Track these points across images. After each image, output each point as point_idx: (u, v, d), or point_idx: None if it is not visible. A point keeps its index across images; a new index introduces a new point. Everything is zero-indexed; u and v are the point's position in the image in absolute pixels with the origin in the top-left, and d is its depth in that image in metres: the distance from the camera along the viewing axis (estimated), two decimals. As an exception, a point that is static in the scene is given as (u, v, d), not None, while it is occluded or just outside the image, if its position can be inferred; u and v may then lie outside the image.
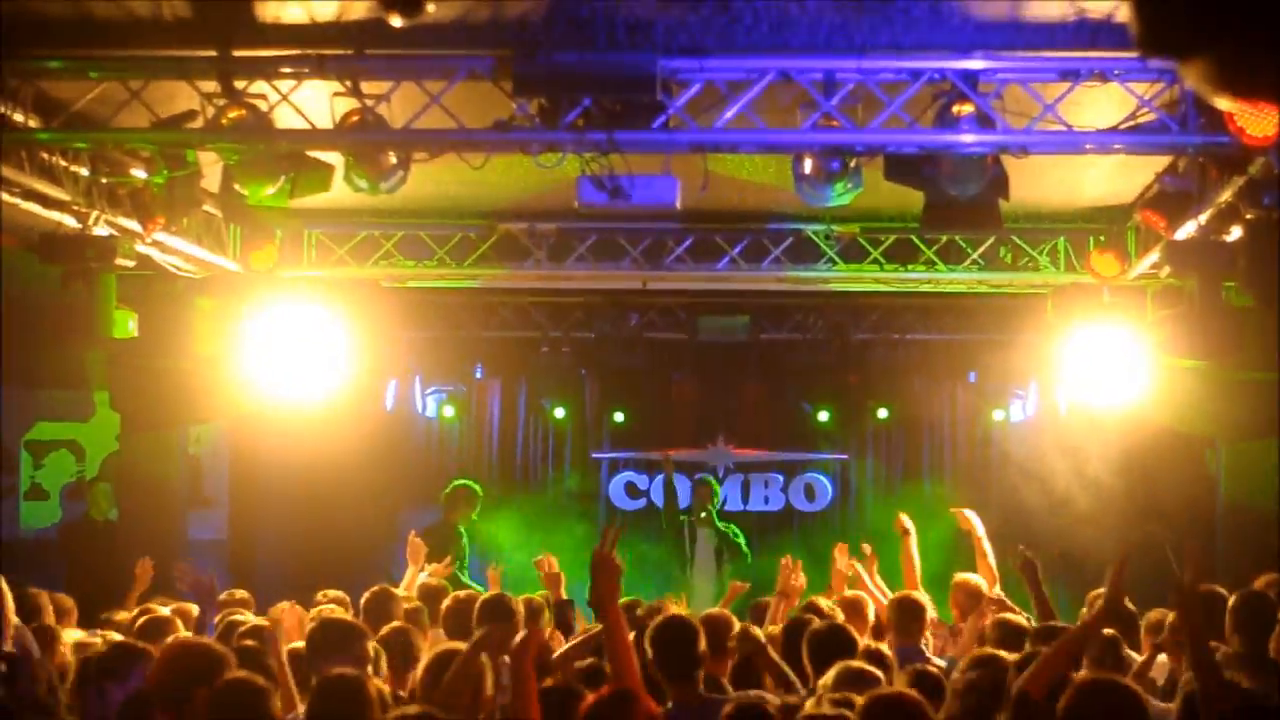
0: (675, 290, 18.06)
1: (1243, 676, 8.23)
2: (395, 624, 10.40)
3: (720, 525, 18.22)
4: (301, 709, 7.91)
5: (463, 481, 17.37)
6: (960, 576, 13.14)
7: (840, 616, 11.43)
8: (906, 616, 11.09)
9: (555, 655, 9.97)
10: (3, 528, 17.54)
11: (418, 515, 19.37)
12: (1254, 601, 9.65)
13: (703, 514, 18.09)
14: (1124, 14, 9.68)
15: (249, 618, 11.17)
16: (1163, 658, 10.36)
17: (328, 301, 16.29)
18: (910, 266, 15.97)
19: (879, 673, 8.78)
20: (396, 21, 8.98)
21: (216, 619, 11.03)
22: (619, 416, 19.92)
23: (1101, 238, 15.43)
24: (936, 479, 20.44)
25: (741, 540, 18.15)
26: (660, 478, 20.15)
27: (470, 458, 20.64)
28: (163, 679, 7.02)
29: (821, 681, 8.61)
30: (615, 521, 13.53)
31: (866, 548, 13.82)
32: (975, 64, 10.54)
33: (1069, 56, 10.51)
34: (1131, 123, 10.78)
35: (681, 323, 19.13)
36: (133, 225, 12.38)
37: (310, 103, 11.03)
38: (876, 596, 12.74)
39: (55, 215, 12.08)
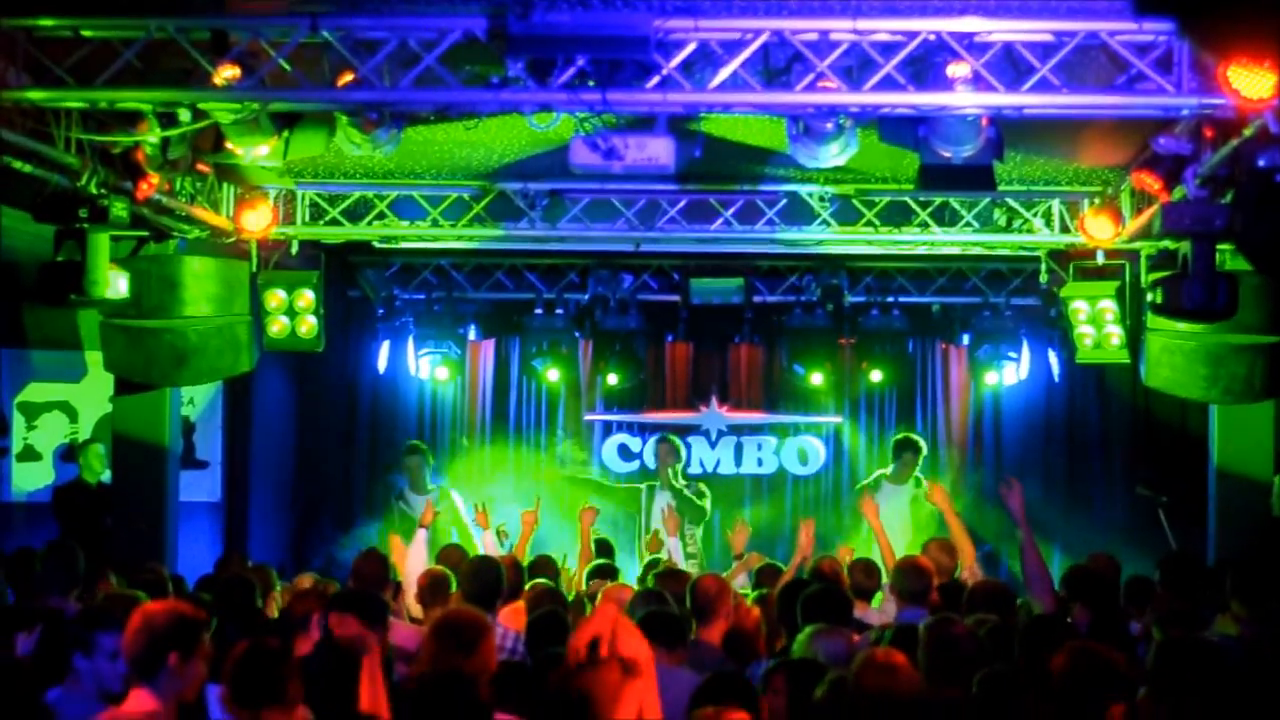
0: (669, 252, 18.05)
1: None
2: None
3: (682, 484, 18.10)
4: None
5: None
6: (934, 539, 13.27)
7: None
8: (911, 580, 11.04)
9: None
10: (-4, 489, 17.56)
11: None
12: (1252, 567, 9.69)
13: (669, 473, 18.00)
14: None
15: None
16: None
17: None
18: (904, 228, 15.96)
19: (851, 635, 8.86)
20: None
21: None
22: (612, 379, 19.87)
23: (1096, 200, 15.43)
24: (929, 442, 20.41)
25: (706, 501, 17.99)
26: (652, 438, 20.18)
27: (463, 419, 20.64)
28: (134, 644, 7.00)
29: (796, 643, 8.65)
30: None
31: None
32: (970, 25, 10.54)
33: (1064, 18, 10.51)
34: (1126, 84, 10.76)
35: (675, 285, 19.11)
36: (126, 185, 12.36)
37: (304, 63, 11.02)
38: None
39: (49, 175, 12.07)
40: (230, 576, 11.48)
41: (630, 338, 19.47)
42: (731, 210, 15.91)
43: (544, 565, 13.03)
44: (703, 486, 18.23)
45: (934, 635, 8.04)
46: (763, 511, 20.51)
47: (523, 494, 18.67)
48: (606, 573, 13.13)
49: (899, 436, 18.30)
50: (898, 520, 16.98)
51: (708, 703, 7.05)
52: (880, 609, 11.97)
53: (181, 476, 16.28)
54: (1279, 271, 13.61)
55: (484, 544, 14.00)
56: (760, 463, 20.77)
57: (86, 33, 10.84)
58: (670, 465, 18.11)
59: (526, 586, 11.86)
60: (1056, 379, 19.64)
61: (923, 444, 18.22)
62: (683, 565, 14.88)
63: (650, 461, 20.01)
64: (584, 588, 12.94)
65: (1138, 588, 11.57)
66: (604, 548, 15.08)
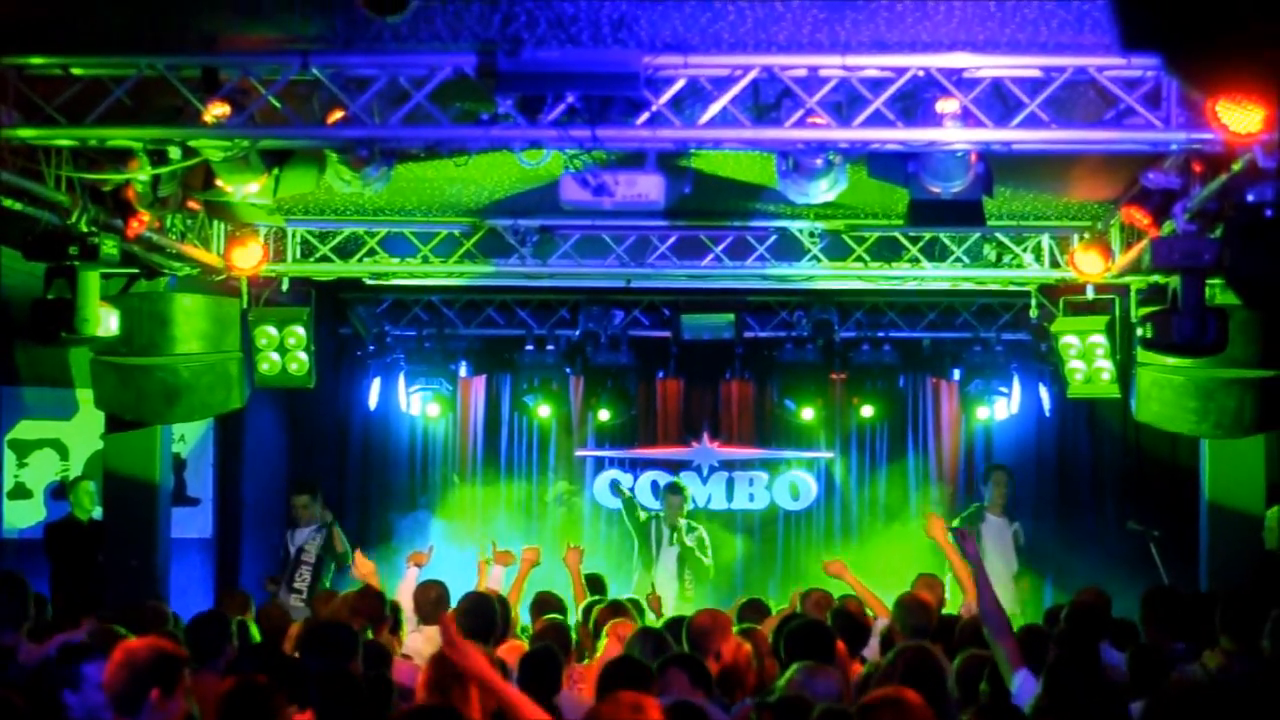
0: (660, 288, 18.07)
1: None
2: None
3: (689, 531, 18.17)
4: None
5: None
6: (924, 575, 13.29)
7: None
8: (914, 615, 11.00)
9: None
10: (-14, 527, 17.53)
11: (403, 513, 19.44)
12: (1242, 600, 9.65)
13: (674, 528, 18.04)
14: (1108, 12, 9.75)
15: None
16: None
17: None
18: (894, 264, 15.99)
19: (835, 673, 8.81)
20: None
21: None
22: (604, 415, 19.86)
23: (1085, 235, 15.46)
24: (920, 477, 20.45)
25: (708, 550, 18.18)
26: (642, 475, 20.26)
27: (455, 456, 20.64)
28: (116, 680, 7.00)
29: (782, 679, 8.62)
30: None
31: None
32: (959, 61, 10.56)
33: (1053, 54, 10.54)
34: (1115, 120, 10.79)
35: (666, 320, 19.15)
36: (116, 223, 12.37)
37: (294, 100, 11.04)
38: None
39: (39, 213, 12.07)
40: (200, 614, 11.38)
41: (621, 373, 19.47)
42: (722, 246, 15.92)
43: (549, 602, 12.94)
44: (704, 534, 18.29)
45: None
46: (755, 546, 20.52)
47: (515, 529, 18.75)
48: (618, 610, 12.79)
49: (986, 467, 18.32)
50: (999, 553, 17.11)
51: None
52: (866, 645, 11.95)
53: (173, 513, 16.26)
54: (1268, 306, 13.64)
55: (493, 580, 13.95)
56: (752, 498, 20.77)
57: (77, 71, 10.85)
58: (680, 514, 18.14)
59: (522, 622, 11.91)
60: (1047, 413, 19.65)
61: (682, 487, 18.55)
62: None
63: (644, 498, 19.99)
64: (579, 618, 12.86)
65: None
66: (596, 584, 14.96)
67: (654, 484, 20.28)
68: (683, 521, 18.14)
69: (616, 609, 12.03)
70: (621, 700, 6.64)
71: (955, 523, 17.63)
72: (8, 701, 7.14)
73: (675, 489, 18.58)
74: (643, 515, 18.55)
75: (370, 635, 10.88)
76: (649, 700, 6.75)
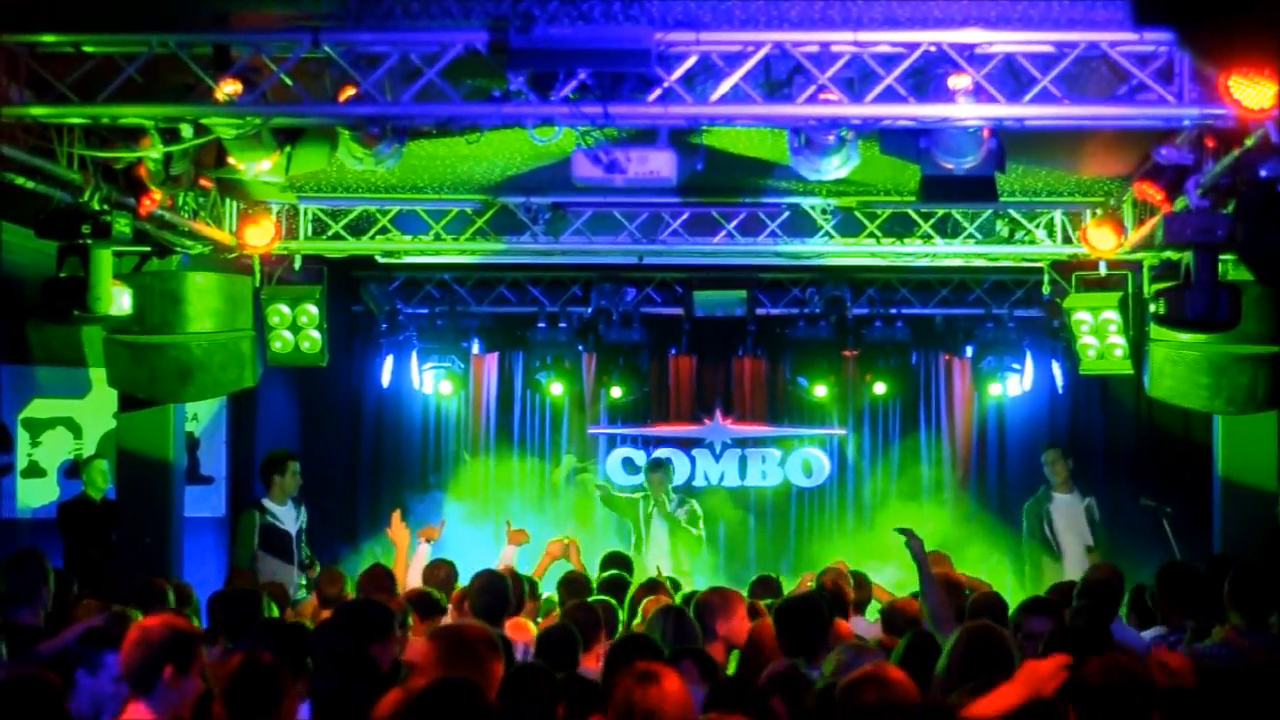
0: (672, 265, 18.07)
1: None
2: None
3: (681, 505, 18.20)
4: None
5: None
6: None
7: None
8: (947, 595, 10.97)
9: None
10: (1, 506, 17.51)
11: (415, 491, 19.44)
12: (1252, 576, 9.63)
13: (661, 505, 18.06)
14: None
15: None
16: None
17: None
18: (906, 240, 15.95)
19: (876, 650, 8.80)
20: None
21: None
22: (616, 392, 19.86)
23: (1098, 211, 15.43)
24: (933, 454, 20.44)
25: (699, 523, 18.26)
26: (655, 453, 20.25)
27: (467, 433, 20.65)
28: (131, 659, 7.01)
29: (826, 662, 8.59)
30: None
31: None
32: (971, 36, 10.54)
33: (1065, 29, 10.52)
34: (1127, 95, 10.77)
35: (678, 297, 19.15)
36: (128, 201, 12.38)
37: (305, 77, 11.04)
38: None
39: (51, 191, 12.08)
40: (232, 591, 11.41)
41: (634, 351, 19.48)
42: (734, 223, 15.91)
43: (577, 582, 12.87)
44: (695, 506, 18.33)
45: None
46: (768, 523, 20.54)
47: (528, 507, 18.79)
48: (655, 587, 12.64)
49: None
50: (1072, 530, 17.09)
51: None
52: (874, 622, 11.96)
53: (186, 492, 16.29)
54: (1281, 281, 13.64)
55: (508, 558, 13.93)
56: (765, 475, 20.77)
57: (88, 49, 10.85)
58: (664, 491, 18.15)
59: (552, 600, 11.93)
60: (1060, 390, 19.66)
61: (666, 465, 18.76)
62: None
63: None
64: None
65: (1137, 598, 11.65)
66: (622, 561, 14.74)
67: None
68: (674, 496, 18.19)
69: (654, 586, 12.06)
70: (636, 669, 6.65)
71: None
72: (43, 680, 7.15)
73: (656, 466, 18.66)
74: (624, 499, 18.60)
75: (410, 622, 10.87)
76: (662, 669, 6.75)
